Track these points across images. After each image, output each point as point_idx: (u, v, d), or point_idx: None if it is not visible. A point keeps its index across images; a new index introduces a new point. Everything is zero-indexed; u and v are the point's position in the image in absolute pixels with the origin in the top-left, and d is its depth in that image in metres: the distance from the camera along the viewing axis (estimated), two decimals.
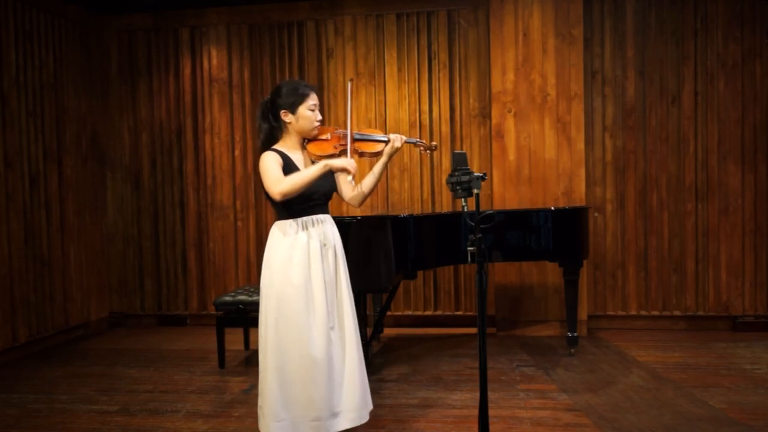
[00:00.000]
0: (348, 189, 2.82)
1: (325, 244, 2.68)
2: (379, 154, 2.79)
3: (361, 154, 2.80)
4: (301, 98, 2.69)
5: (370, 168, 2.84)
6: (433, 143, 2.95)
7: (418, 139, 2.94)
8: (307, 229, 2.66)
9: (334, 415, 2.62)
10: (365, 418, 2.70)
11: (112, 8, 5.79)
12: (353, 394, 2.66)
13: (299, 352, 2.57)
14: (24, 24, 5.02)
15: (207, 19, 5.80)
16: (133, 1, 5.63)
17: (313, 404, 2.56)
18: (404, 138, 2.80)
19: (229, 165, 5.83)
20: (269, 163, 2.62)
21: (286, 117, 2.70)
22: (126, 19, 5.90)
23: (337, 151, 2.73)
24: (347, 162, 2.62)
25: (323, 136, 2.78)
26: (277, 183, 2.54)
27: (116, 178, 6.01)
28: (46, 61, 5.27)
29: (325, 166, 2.59)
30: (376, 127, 5.58)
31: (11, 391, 4.05)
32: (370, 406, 2.77)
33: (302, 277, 2.61)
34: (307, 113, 2.69)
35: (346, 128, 2.75)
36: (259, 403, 2.66)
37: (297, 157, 2.73)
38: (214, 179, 5.85)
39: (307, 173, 2.57)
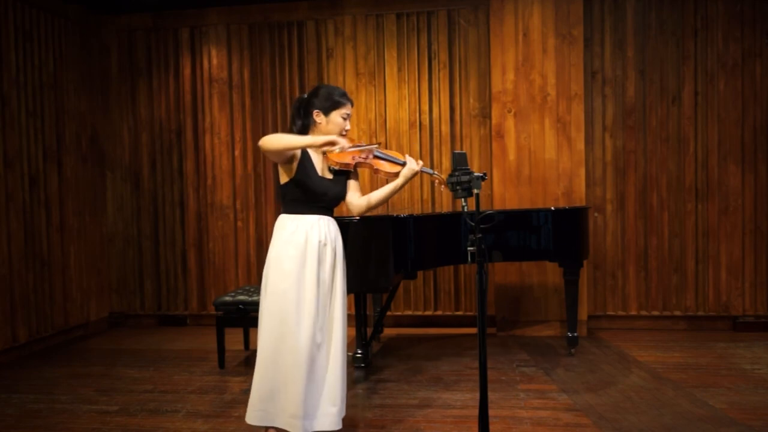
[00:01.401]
0: (355, 196, 2.86)
1: (325, 244, 2.70)
2: (393, 175, 2.89)
3: (376, 171, 2.88)
4: (337, 104, 2.76)
5: (380, 185, 2.91)
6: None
7: (434, 171, 3.01)
8: (306, 226, 2.68)
9: (311, 415, 2.62)
10: (340, 425, 2.70)
11: (112, 8, 5.79)
12: (333, 396, 2.67)
13: (284, 348, 2.60)
14: (24, 24, 5.02)
15: (207, 19, 5.80)
16: (133, 1, 5.63)
17: (292, 400, 2.58)
18: (422, 164, 2.89)
19: (229, 165, 5.83)
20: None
21: (318, 117, 2.76)
22: (126, 19, 5.90)
23: (353, 162, 2.78)
24: (335, 137, 2.62)
25: None
26: (272, 135, 2.63)
27: (116, 178, 6.01)
28: (46, 61, 5.27)
29: (313, 139, 2.61)
30: (375, 126, 5.59)
31: (11, 391, 4.05)
32: (344, 413, 2.77)
33: (295, 273, 2.63)
34: (339, 120, 2.76)
35: (368, 144, 2.84)
36: None
37: (317, 158, 2.77)
38: (214, 179, 5.85)
39: (293, 139, 2.61)
